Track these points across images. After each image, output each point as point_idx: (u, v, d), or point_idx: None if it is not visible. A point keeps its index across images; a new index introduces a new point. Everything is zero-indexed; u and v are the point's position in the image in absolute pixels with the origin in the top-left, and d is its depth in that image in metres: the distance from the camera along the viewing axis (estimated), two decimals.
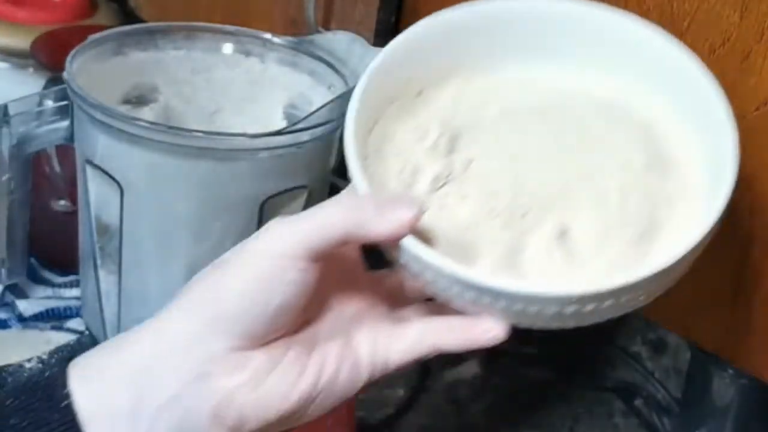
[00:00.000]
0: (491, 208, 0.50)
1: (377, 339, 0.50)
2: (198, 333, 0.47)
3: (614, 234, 0.49)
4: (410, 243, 0.47)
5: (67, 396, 0.45)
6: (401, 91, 0.55)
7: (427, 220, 0.49)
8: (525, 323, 0.47)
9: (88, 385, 0.46)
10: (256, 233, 0.48)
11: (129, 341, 0.48)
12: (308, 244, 0.46)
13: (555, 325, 0.47)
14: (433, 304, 0.52)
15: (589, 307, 0.46)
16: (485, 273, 0.47)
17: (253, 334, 0.47)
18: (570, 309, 0.46)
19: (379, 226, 0.46)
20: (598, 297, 0.45)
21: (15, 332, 0.89)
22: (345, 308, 0.51)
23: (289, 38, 0.81)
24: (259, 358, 0.47)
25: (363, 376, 0.50)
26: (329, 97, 0.74)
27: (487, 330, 0.48)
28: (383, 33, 0.82)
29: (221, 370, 0.47)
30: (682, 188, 0.51)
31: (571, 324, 0.47)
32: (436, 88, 0.56)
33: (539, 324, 0.47)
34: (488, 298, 0.46)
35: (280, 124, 0.80)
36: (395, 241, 0.47)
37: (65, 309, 0.92)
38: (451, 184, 0.52)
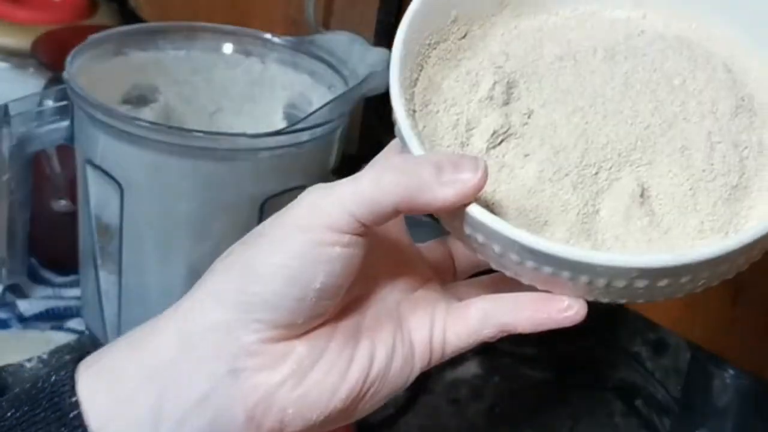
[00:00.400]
0: (558, 167, 0.44)
1: (434, 321, 0.44)
2: (227, 322, 0.40)
3: (702, 191, 0.43)
4: (476, 211, 0.40)
5: (77, 405, 0.40)
6: (445, 34, 0.48)
7: (488, 183, 0.42)
8: (605, 299, 0.42)
9: (101, 389, 0.41)
10: (293, 203, 0.41)
11: (147, 335, 0.42)
12: (355, 214, 0.40)
13: (640, 300, 0.42)
14: (490, 279, 0.47)
15: (684, 278, 0.41)
16: (562, 243, 0.41)
17: (292, 321, 0.41)
18: (662, 282, 0.40)
19: (440, 191, 0.40)
20: (696, 267, 0.40)
21: (15, 332, 0.89)
22: (394, 288, 0.45)
23: (289, 38, 0.81)
24: (300, 349, 0.41)
25: (418, 363, 0.44)
26: (329, 97, 0.74)
27: (566, 308, 0.42)
28: (383, 33, 0.82)
29: (257, 365, 0.41)
30: None
31: (657, 298, 0.42)
32: (483, 29, 0.49)
33: (620, 299, 0.42)
34: (568, 272, 0.40)
35: (280, 124, 0.81)
36: (458, 209, 0.41)
37: (65, 309, 0.92)
38: (510, 139, 0.45)
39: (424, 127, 0.45)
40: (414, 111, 0.45)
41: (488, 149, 0.45)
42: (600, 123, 0.45)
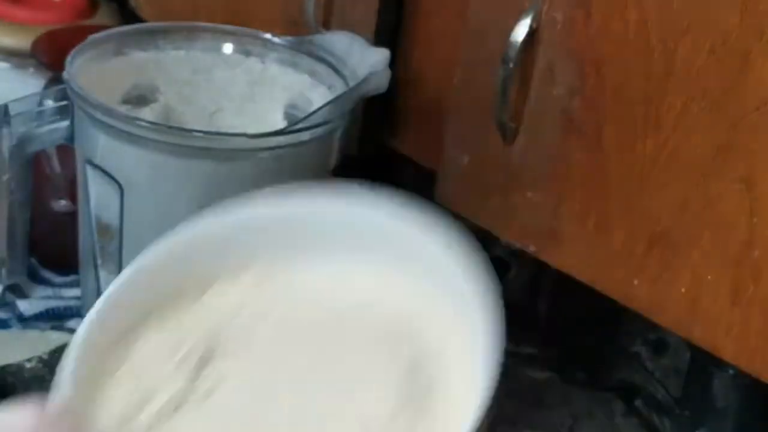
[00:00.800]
0: None
1: None
2: None
3: None
4: None
5: None
6: (162, 301, 0.49)
7: None
8: None
9: None
10: None
11: None
12: None
13: None
14: None
15: None
16: None
17: None
18: None
19: None
20: None
21: (15, 332, 0.89)
22: None
23: (289, 38, 0.81)
24: None
25: None
26: (329, 97, 0.74)
27: None
28: (383, 33, 0.82)
29: None
30: (445, 418, 0.43)
31: None
32: (206, 296, 0.50)
33: None
34: None
35: (280, 124, 0.80)
36: None
37: (65, 309, 0.92)
38: (184, 410, 0.45)
39: (108, 390, 0.45)
40: (104, 372, 0.45)
41: (159, 420, 0.44)
42: (268, 414, 0.44)
